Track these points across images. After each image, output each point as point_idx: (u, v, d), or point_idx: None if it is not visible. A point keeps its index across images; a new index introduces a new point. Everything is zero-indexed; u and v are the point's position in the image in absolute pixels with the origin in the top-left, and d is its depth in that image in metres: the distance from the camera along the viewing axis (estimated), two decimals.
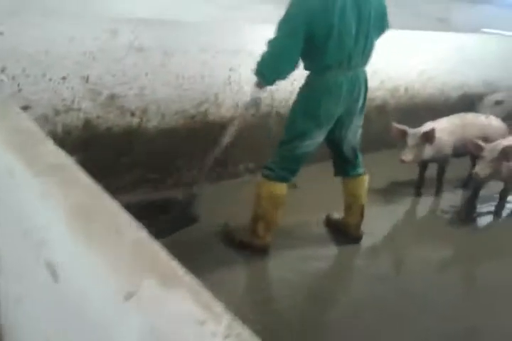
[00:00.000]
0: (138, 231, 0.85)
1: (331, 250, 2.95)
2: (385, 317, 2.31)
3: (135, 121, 3.04)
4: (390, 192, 3.85)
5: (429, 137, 3.37)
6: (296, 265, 2.70)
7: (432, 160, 3.62)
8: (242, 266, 2.69)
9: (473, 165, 3.60)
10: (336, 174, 2.90)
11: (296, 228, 3.06)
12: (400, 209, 3.64)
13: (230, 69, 3.31)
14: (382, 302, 2.43)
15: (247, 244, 2.72)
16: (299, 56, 2.35)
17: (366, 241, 2.98)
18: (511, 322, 2.37)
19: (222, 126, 3.40)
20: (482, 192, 3.55)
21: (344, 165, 2.83)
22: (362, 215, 2.88)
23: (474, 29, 5.11)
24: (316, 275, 2.72)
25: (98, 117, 2.88)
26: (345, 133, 2.66)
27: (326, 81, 2.43)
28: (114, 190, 3.13)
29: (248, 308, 2.32)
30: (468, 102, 5.31)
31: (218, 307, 0.64)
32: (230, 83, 3.35)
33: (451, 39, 4.81)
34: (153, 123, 3.12)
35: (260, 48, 3.40)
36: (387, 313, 2.35)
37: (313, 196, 3.52)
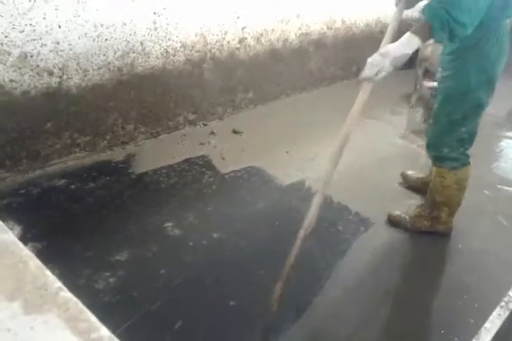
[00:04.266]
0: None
1: None
2: None
3: (54, 80, 2.72)
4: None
5: None
6: None
7: None
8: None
9: None
10: None
11: None
12: None
13: (154, 13, 2.99)
14: None
15: (428, 232, 2.56)
16: None
17: None
18: None
19: (151, 76, 3.17)
20: None
21: None
22: None
23: None
24: None
25: (11, 81, 2.55)
26: None
27: (501, 36, 1.99)
28: (43, 159, 2.96)
29: None
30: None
31: (101, 332, 0.52)
32: (155, 28, 3.04)
33: None
34: (75, 80, 2.81)
35: None
36: None
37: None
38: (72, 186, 2.80)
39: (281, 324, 1.88)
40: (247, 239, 2.45)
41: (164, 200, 2.75)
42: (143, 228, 2.48)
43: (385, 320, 1.96)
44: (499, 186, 3.09)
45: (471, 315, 1.94)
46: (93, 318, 0.52)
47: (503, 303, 1.92)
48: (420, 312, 2.03)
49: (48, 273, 0.60)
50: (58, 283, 0.58)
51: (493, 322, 1.80)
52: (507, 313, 1.85)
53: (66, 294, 0.56)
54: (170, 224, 2.53)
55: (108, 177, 2.92)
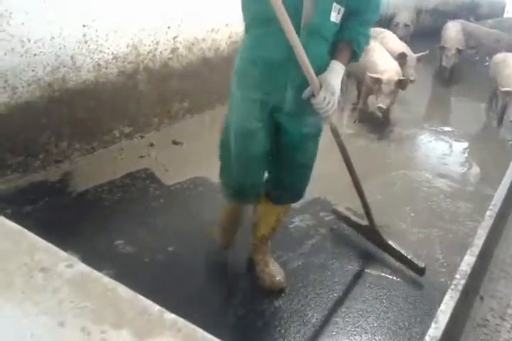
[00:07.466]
0: None
1: None
2: None
3: None
4: None
5: (403, 84, 3.63)
6: None
7: None
8: None
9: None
10: None
11: None
12: None
13: (84, 26, 2.89)
14: None
15: None
16: None
17: None
18: None
19: (83, 90, 3.06)
20: None
21: None
22: None
23: None
24: None
25: None
26: None
27: None
28: None
29: None
30: None
31: None
32: (85, 41, 2.95)
33: None
34: (3, 99, 2.65)
35: None
36: None
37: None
38: (8, 210, 2.63)
39: None
40: (202, 250, 2.43)
41: (111, 218, 2.66)
42: (92, 249, 2.37)
43: None
44: None
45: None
46: (208, 335, 0.54)
47: (453, 286, 2.05)
48: None
49: (141, 297, 0.59)
50: (157, 306, 0.58)
51: (448, 304, 1.92)
52: (458, 294, 1.98)
53: (171, 316, 0.56)
54: (121, 241, 2.45)
55: (46, 199, 2.78)
